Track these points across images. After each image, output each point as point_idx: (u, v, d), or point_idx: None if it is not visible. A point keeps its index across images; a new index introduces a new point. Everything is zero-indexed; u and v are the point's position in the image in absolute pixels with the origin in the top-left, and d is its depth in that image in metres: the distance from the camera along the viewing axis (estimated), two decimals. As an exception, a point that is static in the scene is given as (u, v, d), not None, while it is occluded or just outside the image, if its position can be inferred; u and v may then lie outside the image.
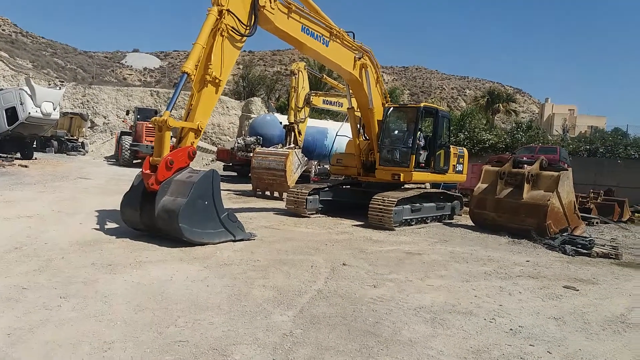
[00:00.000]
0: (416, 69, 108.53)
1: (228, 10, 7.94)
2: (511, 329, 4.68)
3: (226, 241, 7.58)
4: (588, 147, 24.92)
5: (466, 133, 27.63)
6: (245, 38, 8.41)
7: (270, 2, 8.70)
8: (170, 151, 7.50)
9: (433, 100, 75.77)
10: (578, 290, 6.39)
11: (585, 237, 10.14)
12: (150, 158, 7.51)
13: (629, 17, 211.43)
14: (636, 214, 16.96)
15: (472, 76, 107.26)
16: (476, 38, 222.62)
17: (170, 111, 7.50)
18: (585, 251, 9.15)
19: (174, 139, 7.99)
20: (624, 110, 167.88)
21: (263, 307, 4.77)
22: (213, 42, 7.85)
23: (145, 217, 7.39)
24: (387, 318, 4.70)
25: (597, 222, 14.45)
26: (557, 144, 25.67)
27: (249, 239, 7.95)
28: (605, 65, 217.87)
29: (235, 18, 8.09)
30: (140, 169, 7.58)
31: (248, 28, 8.38)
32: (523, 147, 23.16)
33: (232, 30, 8.07)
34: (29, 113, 21.16)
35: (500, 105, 49.07)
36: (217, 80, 7.95)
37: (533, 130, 29.43)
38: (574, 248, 9.24)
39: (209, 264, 6.29)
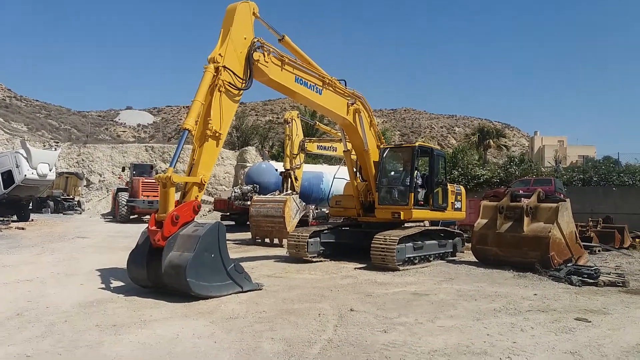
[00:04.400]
0: (405, 110, 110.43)
1: (224, 67, 8.16)
2: (528, 367, 4.58)
3: (234, 293, 7.49)
4: (582, 176, 25.12)
5: (460, 170, 27.87)
6: (242, 92, 8.61)
7: (264, 56, 8.96)
8: (175, 206, 7.52)
9: (424, 139, 76.82)
10: (590, 321, 6.30)
11: (590, 267, 10.08)
12: (156, 214, 7.52)
13: (610, 47, 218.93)
14: (637, 240, 16.91)
15: (460, 114, 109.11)
16: (461, 77, 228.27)
17: (174, 167, 7.57)
18: (591, 281, 9.08)
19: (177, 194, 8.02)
20: (612, 138, 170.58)
21: (274, 360, 4.66)
22: (211, 98, 8.02)
23: (152, 274, 7.33)
24: (402, 363, 4.60)
25: (599, 250, 14.42)
26: (551, 175, 25.90)
27: (256, 290, 7.85)
28: (591, 94, 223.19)
29: (231, 73, 8.31)
30: (146, 226, 7.60)
31: (244, 82, 8.60)
32: (518, 180, 23.34)
33: (229, 85, 8.28)
34: (25, 175, 21.26)
35: (491, 141, 49.77)
36: (217, 134, 8.08)
37: (526, 163, 29.73)
38: (580, 278, 9.17)
39: (215, 318, 6.18)
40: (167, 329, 5.66)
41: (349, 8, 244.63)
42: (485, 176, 26.81)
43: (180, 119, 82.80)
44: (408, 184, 11.69)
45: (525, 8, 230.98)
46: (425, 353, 4.92)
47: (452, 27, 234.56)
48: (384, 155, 12.22)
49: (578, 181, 24.84)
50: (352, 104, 11.50)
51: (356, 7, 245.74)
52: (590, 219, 17.51)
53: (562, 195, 15.74)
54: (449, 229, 13.19)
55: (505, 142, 55.64)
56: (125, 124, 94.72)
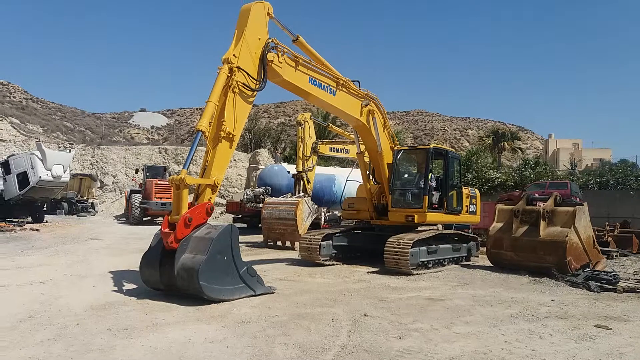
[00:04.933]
0: (417, 112, 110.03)
1: (238, 68, 8.13)
2: (549, 377, 4.44)
3: (246, 296, 7.42)
4: (598, 180, 24.75)
5: (474, 172, 27.62)
6: (256, 93, 8.57)
7: (278, 57, 8.92)
8: (188, 208, 7.48)
9: (437, 142, 76.40)
10: (611, 329, 6.13)
11: (609, 272, 9.86)
12: (169, 217, 7.49)
13: (627, 47, 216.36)
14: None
15: (473, 116, 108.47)
16: (474, 79, 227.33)
17: (187, 169, 7.54)
18: (610, 286, 8.88)
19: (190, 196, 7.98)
20: (629, 141, 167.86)
21: (287, 366, 4.58)
22: (225, 99, 7.99)
23: (165, 277, 7.29)
24: (418, 371, 4.49)
25: (616, 255, 14.12)
26: (567, 178, 25.56)
27: (268, 293, 7.78)
28: (606, 97, 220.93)
29: (245, 74, 8.27)
30: (159, 228, 7.57)
31: (258, 83, 8.56)
32: (533, 183, 23.05)
33: (243, 86, 8.24)
34: (40, 177, 21.41)
35: (506, 143, 49.27)
36: (230, 136, 8.05)
37: (541, 166, 29.40)
38: (599, 284, 8.97)
39: (227, 322, 6.11)
40: (179, 333, 5.61)
41: (353, 8, 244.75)
42: (499, 179, 26.57)
43: (194, 121, 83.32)
44: (422, 186, 11.54)
45: (533, 8, 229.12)
46: (442, 361, 4.81)
47: (463, 29, 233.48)
48: (398, 157, 12.09)
49: (594, 185, 24.48)
50: (366, 105, 11.40)
51: (360, 7, 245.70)
52: (607, 223, 17.19)
53: (578, 199, 15.48)
54: (463, 232, 13.01)
55: (520, 145, 55.00)
56: (139, 125, 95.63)
